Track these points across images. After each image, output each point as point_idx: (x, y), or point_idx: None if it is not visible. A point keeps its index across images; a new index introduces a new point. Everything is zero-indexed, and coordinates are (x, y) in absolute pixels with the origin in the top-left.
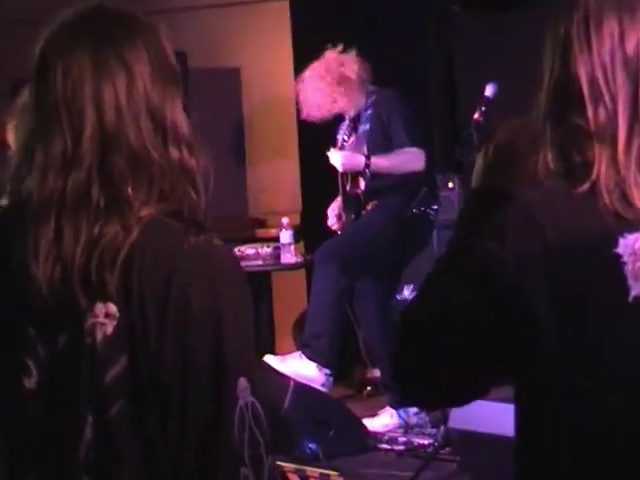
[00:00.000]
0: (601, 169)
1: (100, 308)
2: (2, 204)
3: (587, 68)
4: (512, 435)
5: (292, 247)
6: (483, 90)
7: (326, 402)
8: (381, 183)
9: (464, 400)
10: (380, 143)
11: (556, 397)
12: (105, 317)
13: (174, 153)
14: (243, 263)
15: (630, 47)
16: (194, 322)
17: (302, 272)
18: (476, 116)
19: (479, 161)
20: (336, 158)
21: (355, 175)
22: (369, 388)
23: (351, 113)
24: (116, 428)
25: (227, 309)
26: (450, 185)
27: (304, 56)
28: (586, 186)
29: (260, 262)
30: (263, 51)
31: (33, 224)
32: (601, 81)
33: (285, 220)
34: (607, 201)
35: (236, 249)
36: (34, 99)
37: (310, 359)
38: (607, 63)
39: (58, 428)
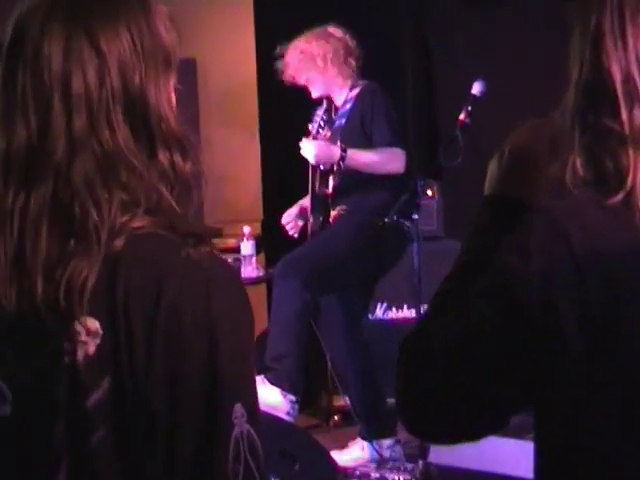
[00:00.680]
0: (637, 178)
1: (81, 325)
2: None
3: (621, 64)
4: (504, 473)
5: (253, 259)
6: (469, 87)
7: (291, 432)
8: (352, 185)
9: (483, 433)
10: (356, 141)
11: (582, 429)
12: (87, 335)
13: (163, 157)
14: None
15: None
16: (186, 341)
17: (263, 287)
18: (462, 117)
19: (493, 165)
20: (309, 148)
21: (325, 173)
22: (337, 417)
23: (313, 94)
24: (96, 462)
25: (224, 328)
26: (429, 193)
27: (269, 46)
28: (620, 197)
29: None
30: (222, 40)
31: None
32: (637, 79)
33: (246, 229)
34: None
35: None
36: (1, 78)
37: (273, 384)
38: None
39: (28, 467)
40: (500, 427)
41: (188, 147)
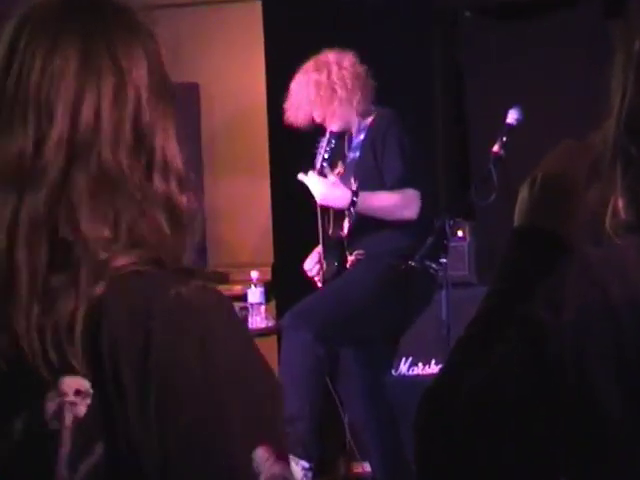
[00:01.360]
0: None
1: (68, 383)
2: None
3: None
4: None
5: (262, 308)
6: (504, 116)
7: None
8: (370, 225)
9: None
10: (372, 177)
11: None
12: (76, 395)
13: (160, 184)
14: None
15: None
16: (183, 393)
17: (274, 339)
18: (496, 148)
19: (524, 193)
20: (315, 185)
21: (338, 215)
22: None
23: (333, 127)
24: None
25: (227, 377)
26: (460, 234)
27: (280, 71)
28: None
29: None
30: (228, 63)
31: None
32: None
33: (254, 274)
34: None
35: None
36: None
37: None
38: None
39: None
40: None
41: (187, 181)
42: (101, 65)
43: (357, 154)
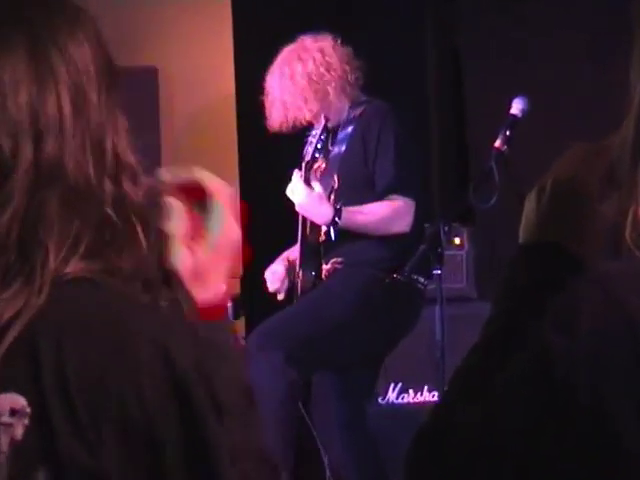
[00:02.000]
0: None
1: (1, 402)
2: None
3: None
4: None
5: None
6: (507, 107)
7: None
8: (351, 231)
9: None
10: (357, 176)
11: None
12: (11, 415)
13: (114, 187)
14: None
15: None
16: (149, 418)
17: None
18: (498, 143)
19: (531, 204)
20: (297, 191)
21: None
22: None
23: (322, 121)
24: None
25: (204, 393)
26: (457, 241)
27: (250, 54)
28: None
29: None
30: (191, 45)
31: None
32: None
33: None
34: None
35: None
36: None
37: None
38: None
39: None
40: None
41: (140, 179)
42: (54, 64)
43: (342, 148)
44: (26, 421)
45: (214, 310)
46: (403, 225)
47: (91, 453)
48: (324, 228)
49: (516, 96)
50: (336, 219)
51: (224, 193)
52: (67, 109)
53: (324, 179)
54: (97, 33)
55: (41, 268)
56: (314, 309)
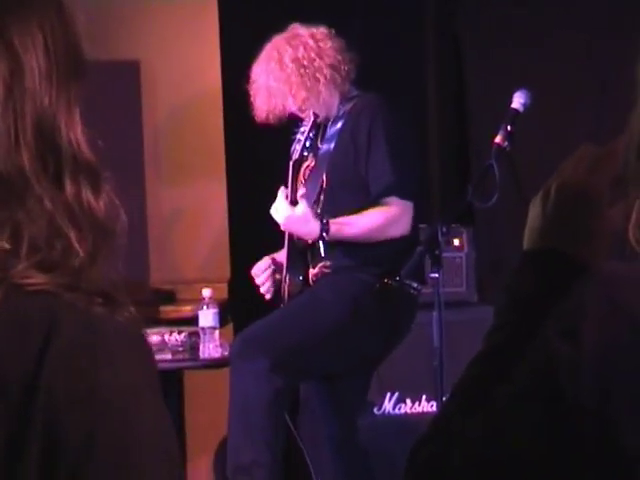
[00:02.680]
0: None
1: None
2: None
3: None
4: None
5: (216, 333)
6: (508, 101)
7: None
8: None
9: None
10: (347, 174)
11: None
12: None
13: (70, 188)
14: None
15: None
16: (62, 427)
17: (229, 371)
18: (498, 139)
19: (535, 209)
20: (280, 212)
21: None
22: None
23: (310, 115)
24: None
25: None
26: (456, 243)
27: (238, 47)
28: None
29: (168, 356)
30: (175, 37)
31: None
32: None
33: (206, 293)
34: None
35: None
36: None
37: None
38: None
39: None
40: None
41: (101, 181)
42: None
43: (331, 145)
44: None
45: None
46: (400, 229)
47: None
48: None
49: (517, 89)
50: (324, 234)
51: None
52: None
53: (313, 178)
54: (64, 22)
55: None
56: (301, 316)
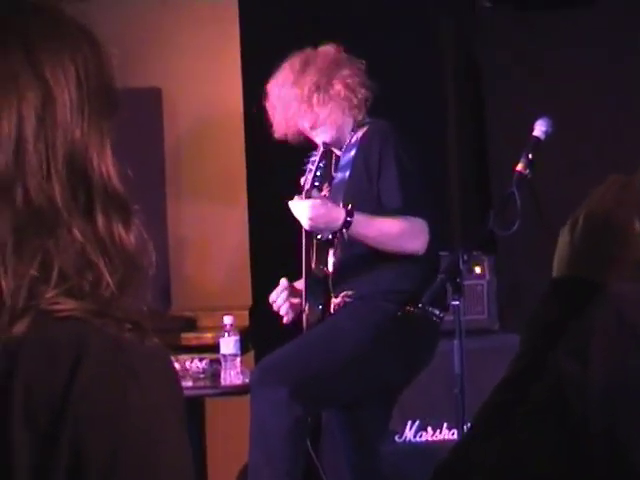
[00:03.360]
0: None
1: None
2: None
3: None
4: None
5: (238, 360)
6: (530, 129)
7: None
8: (361, 260)
9: None
10: (362, 201)
11: None
12: None
13: (101, 221)
14: None
15: None
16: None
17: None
18: (520, 167)
19: (564, 238)
20: (301, 209)
21: (323, 246)
22: None
23: (325, 138)
24: None
25: (139, 438)
26: (478, 270)
27: (259, 74)
28: None
29: (189, 383)
30: (196, 65)
31: None
32: None
33: (227, 320)
34: None
35: None
36: None
37: None
38: None
39: None
40: None
41: (131, 214)
42: (22, 82)
43: (346, 174)
44: None
45: None
46: (418, 244)
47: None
48: (331, 257)
49: (539, 117)
50: (348, 219)
51: None
52: (29, 129)
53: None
54: (96, 55)
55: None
56: (322, 343)
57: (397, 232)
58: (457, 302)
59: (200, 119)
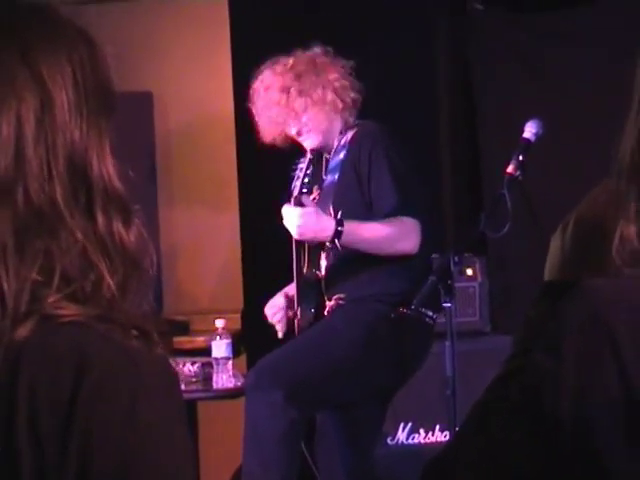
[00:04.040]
0: None
1: None
2: None
3: None
4: None
5: (229, 364)
6: (520, 130)
7: None
8: (353, 263)
9: None
10: (353, 203)
11: None
12: None
13: (102, 220)
14: None
15: None
16: (99, 449)
17: (242, 401)
18: (510, 168)
19: (556, 242)
20: (291, 217)
21: (315, 250)
22: None
23: (313, 142)
24: None
25: (145, 442)
26: (469, 272)
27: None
28: None
29: (181, 386)
30: (187, 68)
31: None
32: None
33: (219, 323)
34: None
35: None
36: None
37: None
38: None
39: None
40: None
41: (132, 214)
42: (20, 83)
43: (335, 176)
44: None
45: None
46: (411, 243)
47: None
48: (324, 262)
49: (529, 119)
50: (339, 229)
51: None
52: (29, 131)
53: (320, 208)
54: (93, 56)
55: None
56: (316, 346)
57: (388, 235)
58: (449, 304)
59: (191, 122)
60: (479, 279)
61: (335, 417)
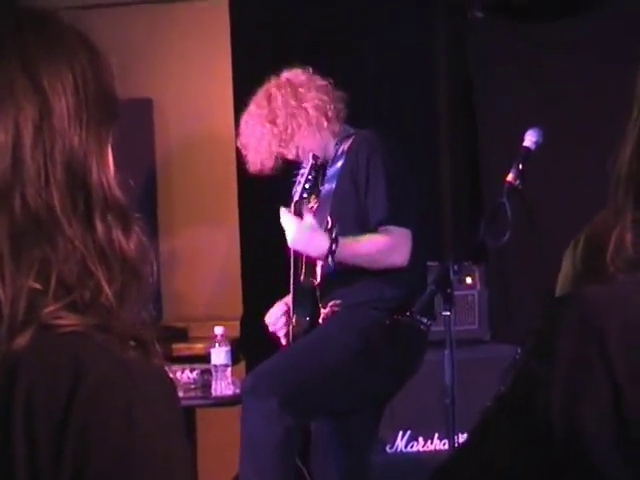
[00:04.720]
0: None
1: None
2: None
3: None
4: None
5: (228, 371)
6: (520, 139)
7: None
8: (348, 271)
9: None
10: (350, 212)
11: None
12: None
13: (101, 228)
14: None
15: None
16: (96, 457)
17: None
18: (510, 177)
19: (567, 260)
20: (289, 227)
21: (311, 257)
22: None
23: (309, 157)
24: None
25: (143, 450)
26: (468, 281)
27: (250, 85)
28: None
29: (180, 394)
30: (187, 75)
31: None
32: None
33: (218, 330)
34: None
35: None
36: None
37: None
38: None
39: None
40: None
41: (131, 222)
42: (16, 89)
43: (333, 185)
44: None
45: None
46: (400, 258)
47: None
48: (319, 271)
49: (530, 128)
50: (333, 247)
51: None
52: (26, 138)
53: (317, 219)
54: (94, 64)
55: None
56: (311, 352)
57: (377, 251)
58: (448, 312)
59: (191, 130)
60: (478, 287)
61: (330, 424)
